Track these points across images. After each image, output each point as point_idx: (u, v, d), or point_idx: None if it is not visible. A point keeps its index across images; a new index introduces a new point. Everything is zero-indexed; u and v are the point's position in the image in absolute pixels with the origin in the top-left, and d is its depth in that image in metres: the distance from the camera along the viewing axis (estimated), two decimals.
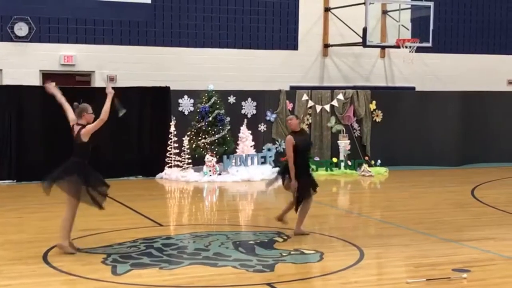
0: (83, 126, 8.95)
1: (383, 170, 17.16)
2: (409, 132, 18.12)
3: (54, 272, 7.94)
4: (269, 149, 16.83)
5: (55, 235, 9.75)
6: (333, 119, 17.53)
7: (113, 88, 9.60)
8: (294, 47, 19.66)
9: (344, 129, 17.47)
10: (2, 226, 10.81)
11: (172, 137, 15.88)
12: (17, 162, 15.10)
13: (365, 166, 16.96)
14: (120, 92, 15.84)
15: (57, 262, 8.28)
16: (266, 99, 17.19)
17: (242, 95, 16.98)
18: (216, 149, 15.72)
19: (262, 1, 19.21)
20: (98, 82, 17.60)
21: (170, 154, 15.92)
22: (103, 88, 16.78)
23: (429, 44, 18.74)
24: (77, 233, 9.88)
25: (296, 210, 9.80)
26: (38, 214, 11.60)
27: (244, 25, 19.09)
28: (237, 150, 16.33)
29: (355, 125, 17.79)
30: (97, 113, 9.05)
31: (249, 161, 16.25)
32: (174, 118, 16.07)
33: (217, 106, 15.84)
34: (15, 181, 15.02)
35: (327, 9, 19.83)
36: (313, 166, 15.99)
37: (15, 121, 15.10)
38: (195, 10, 18.59)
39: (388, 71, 20.73)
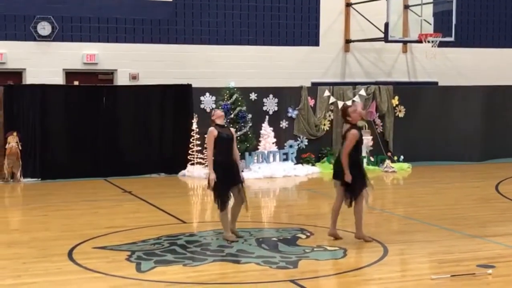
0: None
1: (406, 165, 17.09)
2: (432, 127, 18.01)
3: (79, 270, 8.00)
4: (291, 146, 16.81)
5: (80, 232, 9.88)
6: None
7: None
8: (316, 43, 19.62)
9: (366, 125, 17.40)
10: (27, 224, 10.93)
11: (194, 134, 15.93)
12: (41, 161, 15.24)
13: (387, 162, 16.90)
14: (143, 90, 16.11)
15: (82, 260, 8.35)
16: (287, 96, 17.18)
17: (263, 92, 16.98)
18: (238, 146, 15.73)
19: None
20: (120, 80, 17.70)
21: (193, 151, 15.97)
22: (125, 86, 16.88)
23: (452, 39, 18.60)
24: (101, 230, 9.98)
25: (349, 205, 9.29)
26: (63, 212, 11.70)
27: (265, 21, 19.09)
28: (259, 147, 16.35)
29: (378, 121, 17.72)
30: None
31: (271, 158, 16.25)
32: (196, 115, 16.11)
33: (239, 103, 15.86)
34: (39, 179, 15.15)
35: (348, 5, 19.76)
36: None
37: (39, 120, 15.23)
38: (216, 7, 18.62)
39: (410, 66, 20.62)
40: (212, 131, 9.35)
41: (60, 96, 15.58)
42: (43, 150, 15.24)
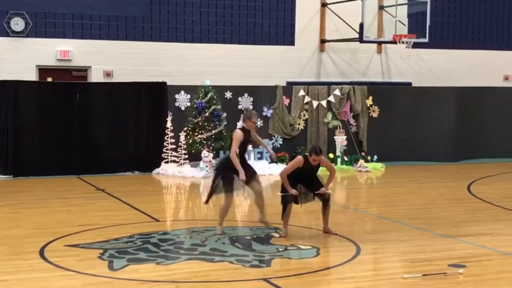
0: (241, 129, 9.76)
1: (379, 165, 17.19)
2: (406, 128, 18.14)
3: (51, 268, 7.93)
4: None
5: (52, 230, 9.81)
6: (329, 115, 17.54)
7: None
8: (291, 42, 19.66)
9: (340, 124, 17.49)
10: None
11: (168, 132, 15.88)
12: (14, 158, 15.10)
13: (361, 161, 16.98)
14: (117, 88, 16.02)
15: (54, 258, 8.28)
16: (262, 95, 17.20)
17: (238, 90, 16.98)
18: (213, 144, 15.72)
19: None
20: (94, 77, 17.58)
21: (167, 149, 15.92)
22: (99, 83, 16.82)
23: (426, 40, 18.74)
24: (74, 228, 9.91)
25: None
26: (35, 210, 11.60)
27: (241, 20, 19.08)
28: None
29: (352, 121, 17.81)
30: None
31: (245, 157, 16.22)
32: (171, 113, 16.07)
33: (214, 102, 15.84)
34: (11, 176, 15.01)
35: (324, 5, 19.83)
36: None
37: (11, 117, 15.10)
38: (192, 5, 18.57)
39: (385, 66, 20.74)
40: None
41: (33, 92, 15.44)
42: (15, 147, 15.10)
